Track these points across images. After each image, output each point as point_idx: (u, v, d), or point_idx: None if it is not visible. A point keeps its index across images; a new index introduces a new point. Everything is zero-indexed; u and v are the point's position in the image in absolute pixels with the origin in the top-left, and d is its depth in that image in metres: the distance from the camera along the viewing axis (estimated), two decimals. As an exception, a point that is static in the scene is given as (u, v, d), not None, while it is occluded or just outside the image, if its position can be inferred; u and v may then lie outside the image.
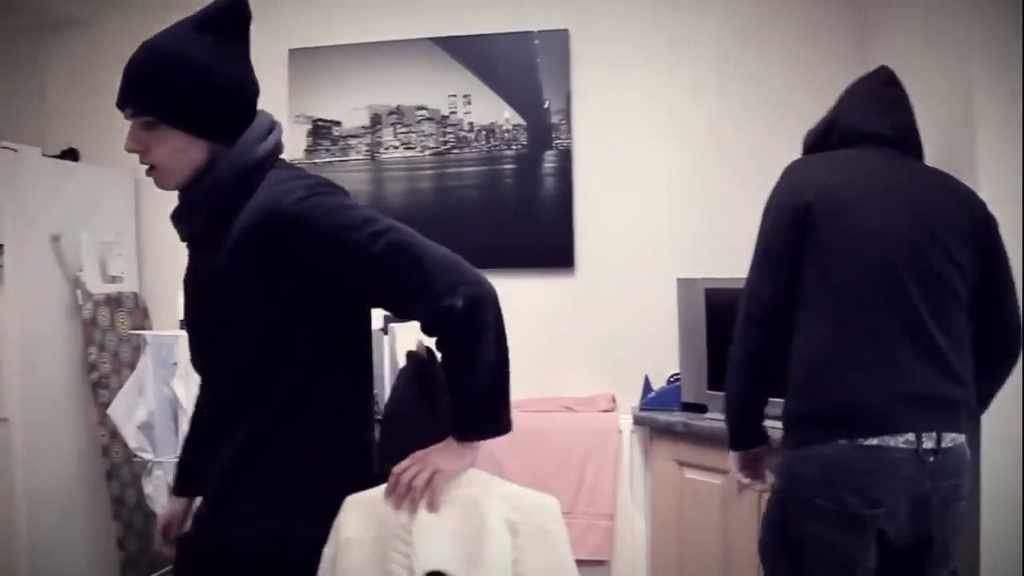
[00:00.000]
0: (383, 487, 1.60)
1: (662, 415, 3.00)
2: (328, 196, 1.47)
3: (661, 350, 3.36)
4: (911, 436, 1.76)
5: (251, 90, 1.62)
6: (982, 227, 1.95)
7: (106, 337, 3.42)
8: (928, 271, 1.85)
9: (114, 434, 3.29)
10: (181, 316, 2.95)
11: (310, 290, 1.46)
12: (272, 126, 1.61)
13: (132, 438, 3.09)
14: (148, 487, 3.14)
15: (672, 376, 3.16)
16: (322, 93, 3.67)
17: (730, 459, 2.15)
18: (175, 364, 3.02)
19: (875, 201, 1.88)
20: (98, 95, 3.96)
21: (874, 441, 1.75)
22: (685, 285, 2.98)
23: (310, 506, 1.55)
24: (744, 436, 2.09)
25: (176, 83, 1.50)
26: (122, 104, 1.52)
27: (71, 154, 3.74)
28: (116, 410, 3.10)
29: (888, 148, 2.02)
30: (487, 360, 1.54)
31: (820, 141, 2.13)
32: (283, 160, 1.62)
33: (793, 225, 1.89)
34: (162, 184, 1.57)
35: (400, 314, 1.54)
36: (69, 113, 4.02)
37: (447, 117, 3.55)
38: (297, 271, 1.44)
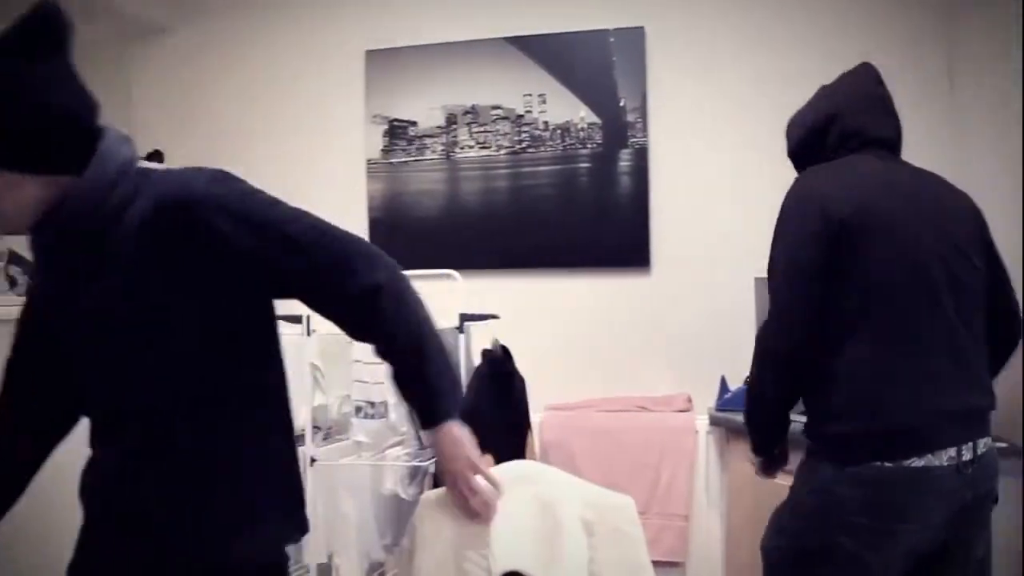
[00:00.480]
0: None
1: (739, 416, 2.96)
2: (237, 181, 1.38)
3: (738, 350, 3.30)
4: (953, 451, 1.75)
5: (83, 111, 1.39)
6: (984, 226, 1.96)
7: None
8: (956, 281, 1.84)
9: None
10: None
11: (228, 279, 1.34)
12: (124, 139, 1.44)
13: None
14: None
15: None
16: (398, 93, 3.70)
17: (749, 458, 2.15)
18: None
19: (902, 215, 1.85)
20: (181, 98, 4.08)
21: (920, 462, 1.73)
22: (764, 284, 2.92)
23: (275, 510, 1.47)
24: (774, 441, 2.06)
25: None
26: None
27: (156, 155, 3.83)
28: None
29: (887, 152, 1.99)
30: (431, 334, 1.44)
31: (816, 139, 2.06)
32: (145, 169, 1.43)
33: (826, 244, 1.83)
34: (3, 227, 1.38)
35: (320, 296, 1.43)
36: (154, 116, 4.13)
37: (522, 116, 3.56)
38: (215, 254, 1.32)
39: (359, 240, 1.42)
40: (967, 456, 1.76)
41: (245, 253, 1.33)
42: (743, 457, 2.94)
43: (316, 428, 2.95)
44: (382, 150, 3.72)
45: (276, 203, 1.38)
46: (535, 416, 3.06)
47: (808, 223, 1.86)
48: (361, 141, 3.75)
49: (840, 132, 2.02)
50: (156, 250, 1.31)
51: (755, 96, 3.42)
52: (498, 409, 2.77)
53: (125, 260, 1.32)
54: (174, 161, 3.88)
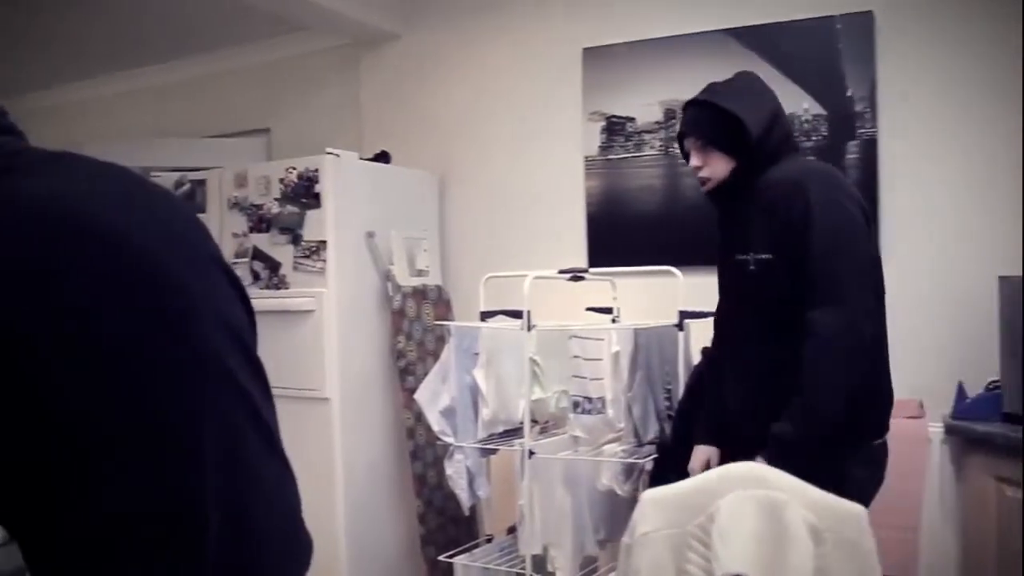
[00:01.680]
0: (680, 484, 1.59)
1: (979, 425, 2.76)
2: None
3: (978, 354, 3.08)
4: None
5: None
6: None
7: (413, 327, 3.66)
8: None
9: (419, 417, 3.50)
10: (482, 308, 3.09)
11: None
12: None
13: (435, 422, 3.28)
14: (449, 469, 3.32)
15: (991, 383, 2.89)
16: (615, 90, 3.70)
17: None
18: (476, 354, 3.18)
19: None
20: (407, 102, 4.26)
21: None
22: (1009, 284, 2.72)
23: None
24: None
25: None
26: None
27: (383, 157, 4.03)
28: (422, 395, 3.30)
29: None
30: None
31: (764, 133, 2.16)
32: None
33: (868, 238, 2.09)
34: None
35: None
36: (381, 119, 4.34)
37: (742, 109, 3.46)
38: None
39: None
40: None
41: None
42: (984, 469, 2.75)
43: (534, 422, 3.00)
44: (600, 147, 3.73)
45: None
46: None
47: (859, 216, 2.05)
48: (579, 139, 3.78)
49: (782, 134, 2.21)
50: None
51: (993, 83, 3.17)
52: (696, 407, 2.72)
53: None
54: (400, 162, 4.06)
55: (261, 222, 3.55)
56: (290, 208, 3.47)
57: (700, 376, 2.70)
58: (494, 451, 3.32)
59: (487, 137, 4.02)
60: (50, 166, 1.05)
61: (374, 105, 4.39)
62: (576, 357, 2.94)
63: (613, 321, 3.26)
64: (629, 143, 3.66)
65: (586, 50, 3.78)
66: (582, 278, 3.17)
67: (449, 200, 4.09)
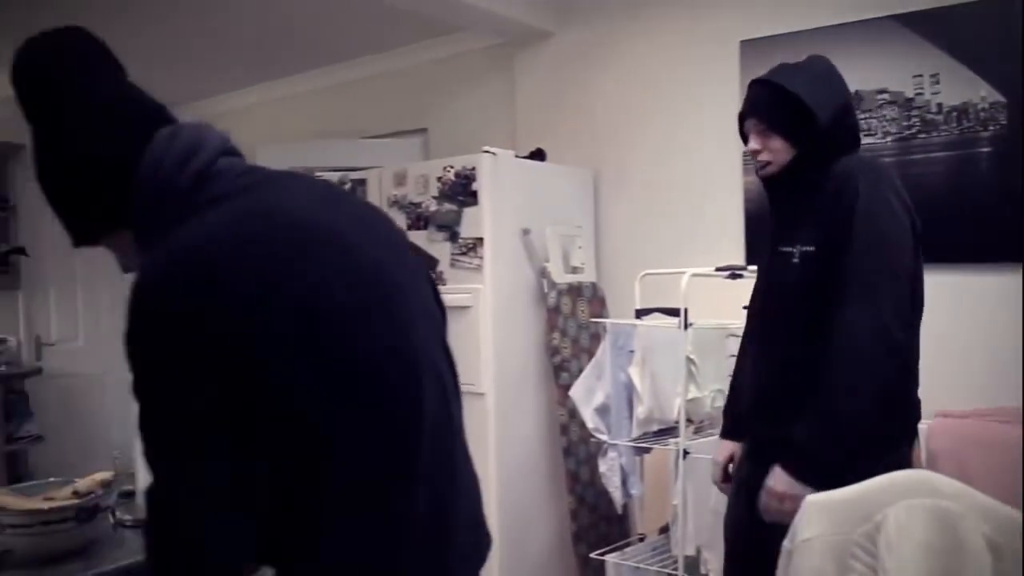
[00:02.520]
0: (845, 490, 1.54)
1: None
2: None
3: None
4: None
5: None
6: None
7: (568, 324, 3.67)
8: None
9: (572, 414, 3.52)
10: (638, 305, 3.10)
11: None
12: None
13: (589, 419, 3.29)
14: (603, 466, 3.32)
15: None
16: (775, 83, 3.59)
17: (804, 495, 1.74)
18: (631, 351, 3.16)
19: None
20: (561, 99, 4.28)
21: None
22: None
23: None
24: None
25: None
26: None
27: (538, 154, 4.06)
28: (576, 392, 3.32)
29: None
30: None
31: (831, 125, 2.09)
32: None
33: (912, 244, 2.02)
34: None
35: None
36: (536, 116, 4.38)
37: (911, 100, 3.30)
38: None
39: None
40: None
41: None
42: None
43: (689, 421, 2.97)
44: (757, 142, 3.63)
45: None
46: (922, 423, 2.85)
47: (906, 220, 2.00)
48: (736, 133, 3.69)
49: (852, 124, 2.16)
50: None
51: None
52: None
53: None
54: (554, 159, 4.08)
55: (419, 220, 3.65)
56: (447, 206, 3.55)
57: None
58: (648, 450, 3.30)
59: (642, 133, 3.99)
60: (284, 182, 1.20)
61: (528, 103, 4.43)
62: (732, 356, 2.89)
63: (772, 320, 3.18)
64: (789, 137, 3.54)
65: (743, 43, 3.69)
66: (740, 276, 3.11)
67: (604, 196, 4.08)
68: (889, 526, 1.46)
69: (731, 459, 2.35)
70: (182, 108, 6.11)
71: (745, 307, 3.22)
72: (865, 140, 3.36)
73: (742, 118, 2.21)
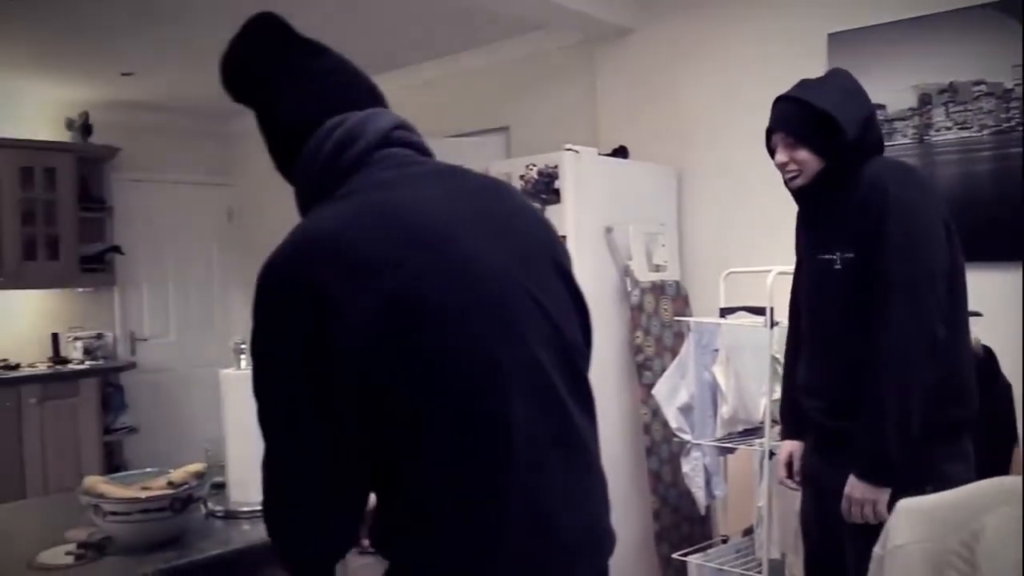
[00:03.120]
0: (940, 495, 1.49)
1: None
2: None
3: None
4: None
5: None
6: None
7: (651, 322, 3.64)
8: None
9: (655, 413, 3.49)
10: (722, 304, 3.07)
11: None
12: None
13: (673, 419, 3.26)
14: (686, 467, 3.29)
15: None
16: (864, 76, 3.43)
17: (880, 497, 1.96)
18: (716, 350, 3.12)
19: None
20: (643, 96, 4.24)
21: None
22: None
23: None
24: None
25: None
26: None
27: (621, 152, 4.03)
28: (660, 391, 3.29)
29: None
30: None
31: (858, 137, 2.12)
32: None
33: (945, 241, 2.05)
34: None
35: None
36: (618, 114, 4.35)
37: (1011, 91, 3.18)
38: None
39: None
40: None
41: None
42: None
43: (774, 421, 2.92)
44: (846, 136, 3.55)
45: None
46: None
47: (937, 219, 2.04)
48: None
49: (877, 134, 2.19)
50: None
51: None
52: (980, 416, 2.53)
53: None
54: (637, 156, 4.05)
55: (502, 218, 3.65)
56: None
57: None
58: (732, 450, 3.26)
59: (726, 129, 3.93)
60: (422, 180, 1.24)
61: (610, 100, 4.40)
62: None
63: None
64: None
65: (831, 35, 3.61)
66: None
67: (687, 194, 4.04)
68: (988, 536, 1.41)
69: (791, 457, 2.42)
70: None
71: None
72: (960, 134, 3.28)
73: (769, 133, 2.29)
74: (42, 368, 5.57)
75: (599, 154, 3.79)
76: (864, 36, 3.51)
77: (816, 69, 3.62)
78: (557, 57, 4.74)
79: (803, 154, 2.17)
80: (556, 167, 3.49)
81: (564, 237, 3.46)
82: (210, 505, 2.03)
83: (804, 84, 2.25)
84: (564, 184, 3.47)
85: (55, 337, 5.83)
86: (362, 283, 1.10)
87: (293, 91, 1.31)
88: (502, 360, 1.15)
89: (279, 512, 1.19)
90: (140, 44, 4.75)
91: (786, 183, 2.28)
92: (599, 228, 3.57)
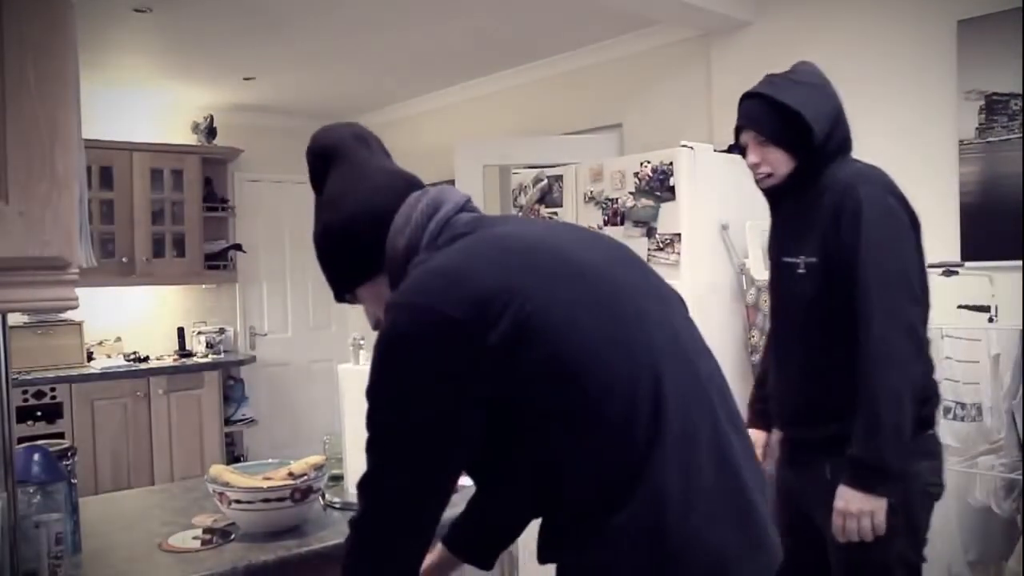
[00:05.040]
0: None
1: None
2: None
3: None
4: None
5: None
6: None
7: (766, 322, 3.56)
8: None
9: (771, 415, 3.41)
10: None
11: None
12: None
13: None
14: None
15: None
16: (996, 64, 3.35)
17: (877, 507, 1.94)
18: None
19: None
20: (761, 89, 4.14)
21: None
22: None
23: None
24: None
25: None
26: None
27: (737, 148, 3.95)
28: (775, 392, 3.21)
29: None
30: None
31: (827, 134, 2.11)
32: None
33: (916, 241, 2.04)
34: None
35: None
36: (733, 109, 4.24)
37: None
38: None
39: None
40: None
41: None
42: None
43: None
44: (977, 129, 3.40)
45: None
46: None
47: (906, 220, 2.02)
48: (953, 120, 3.47)
49: (844, 131, 2.17)
50: None
51: None
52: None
53: None
54: (753, 151, 3.96)
55: (615, 215, 3.63)
56: (644, 201, 3.52)
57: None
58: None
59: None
60: (516, 221, 1.38)
61: (725, 95, 4.32)
62: (948, 358, 2.73)
63: (990, 320, 2.97)
64: (1013, 123, 3.29)
65: (961, 22, 3.46)
66: (955, 273, 2.93)
67: (804, 190, 3.93)
68: None
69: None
70: (392, 107, 6.38)
71: (960, 306, 3.05)
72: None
73: (737, 131, 2.27)
74: (168, 361, 5.82)
75: (714, 150, 3.72)
76: (997, 22, 3.35)
77: (944, 57, 3.49)
78: (672, 53, 4.68)
79: (775, 154, 2.15)
80: (671, 164, 3.44)
81: (679, 235, 3.41)
82: (328, 497, 2.08)
83: (771, 80, 2.23)
84: (679, 181, 3.42)
85: (180, 331, 6.08)
86: (485, 305, 1.16)
87: (369, 179, 1.40)
88: (650, 348, 1.23)
89: (386, 534, 1.24)
90: (260, 51, 4.91)
91: (757, 183, 2.25)
92: (715, 225, 3.50)
